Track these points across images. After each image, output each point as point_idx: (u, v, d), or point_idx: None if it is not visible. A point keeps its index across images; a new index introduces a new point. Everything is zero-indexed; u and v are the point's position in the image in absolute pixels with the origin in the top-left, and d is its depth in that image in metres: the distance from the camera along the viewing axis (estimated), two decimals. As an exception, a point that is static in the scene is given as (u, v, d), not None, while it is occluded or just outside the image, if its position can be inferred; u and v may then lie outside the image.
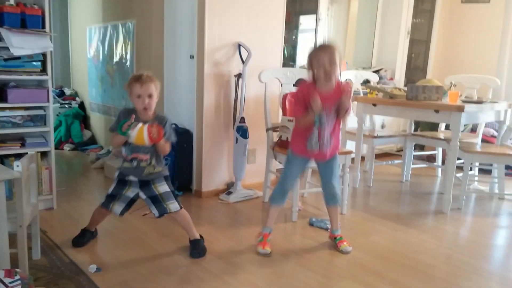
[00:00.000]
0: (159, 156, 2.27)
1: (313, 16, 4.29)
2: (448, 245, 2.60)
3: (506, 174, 3.70)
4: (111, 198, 2.31)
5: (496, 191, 3.67)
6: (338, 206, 2.57)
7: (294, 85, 3.22)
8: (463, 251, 2.51)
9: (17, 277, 1.54)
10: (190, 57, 3.22)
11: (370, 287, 2.03)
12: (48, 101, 2.74)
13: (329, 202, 2.51)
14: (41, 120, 2.80)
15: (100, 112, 4.76)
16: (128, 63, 4.07)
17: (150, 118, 2.20)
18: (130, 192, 2.29)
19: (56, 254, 2.25)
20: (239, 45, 3.25)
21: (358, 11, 5.24)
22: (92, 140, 4.95)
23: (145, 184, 2.28)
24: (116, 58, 4.27)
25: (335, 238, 2.52)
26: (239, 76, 3.26)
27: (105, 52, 4.46)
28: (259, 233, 2.46)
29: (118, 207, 2.30)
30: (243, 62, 3.24)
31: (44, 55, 2.69)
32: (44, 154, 2.87)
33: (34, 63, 2.66)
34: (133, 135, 2.04)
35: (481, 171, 4.18)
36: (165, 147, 2.22)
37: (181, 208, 2.32)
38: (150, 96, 2.16)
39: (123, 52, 4.13)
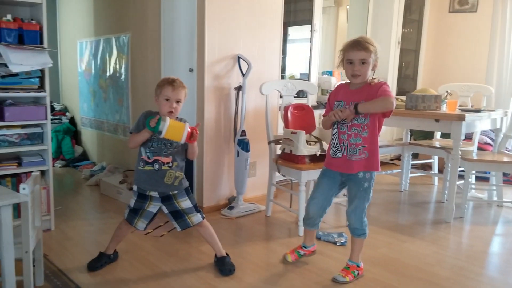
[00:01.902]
0: (181, 160, 2.22)
1: (304, 27, 4.30)
2: (459, 256, 2.59)
3: (503, 181, 3.74)
4: (134, 213, 2.25)
5: (495, 198, 3.70)
6: (360, 239, 2.24)
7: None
8: (474, 262, 2.50)
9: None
10: (190, 70, 3.17)
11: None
12: (46, 118, 2.65)
13: (350, 231, 2.27)
14: (39, 138, 2.71)
15: (92, 127, 4.65)
16: (122, 77, 3.99)
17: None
18: (152, 207, 2.24)
19: (60, 279, 2.15)
20: (239, 58, 3.22)
21: (348, 21, 5.28)
22: (84, 156, 4.83)
23: (167, 199, 2.22)
24: (109, 72, 4.19)
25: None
26: (239, 88, 3.23)
27: (98, 66, 4.36)
28: (298, 248, 2.45)
29: (141, 224, 2.26)
30: (243, 74, 3.21)
31: (42, 71, 2.61)
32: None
33: (32, 79, 2.57)
34: (165, 128, 1.97)
35: (477, 178, 4.22)
36: (196, 149, 2.19)
37: (203, 218, 2.28)
38: (178, 101, 2.14)
39: (117, 66, 4.05)
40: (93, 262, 2.28)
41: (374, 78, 2.09)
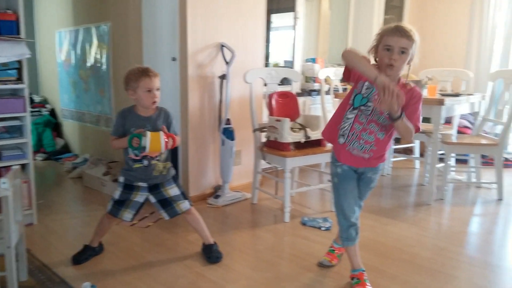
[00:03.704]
0: (168, 150, 2.21)
1: (287, 14, 4.29)
2: (439, 236, 2.67)
3: (482, 163, 3.83)
4: (119, 204, 2.22)
5: (474, 180, 3.80)
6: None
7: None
8: (454, 242, 2.58)
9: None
10: (172, 60, 3.14)
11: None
12: (25, 111, 2.60)
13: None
14: (18, 131, 2.66)
15: (74, 119, 4.58)
16: (103, 67, 3.93)
17: (153, 113, 2.17)
18: (139, 197, 2.23)
19: (45, 274, 2.13)
20: (222, 46, 3.20)
21: (330, 9, 5.28)
22: (66, 149, 4.76)
23: (154, 188, 2.22)
24: (90, 63, 4.12)
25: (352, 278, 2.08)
26: (223, 77, 3.21)
27: (77, 57, 4.28)
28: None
29: (128, 214, 2.23)
30: (226, 63, 3.19)
31: (19, 62, 2.55)
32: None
33: (10, 71, 2.51)
34: (147, 145, 2.01)
35: (457, 161, 4.31)
36: (177, 140, 2.18)
37: (191, 205, 2.30)
38: (158, 89, 2.13)
39: (98, 56, 3.98)
40: (77, 255, 2.26)
41: (408, 82, 1.86)
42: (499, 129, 4.49)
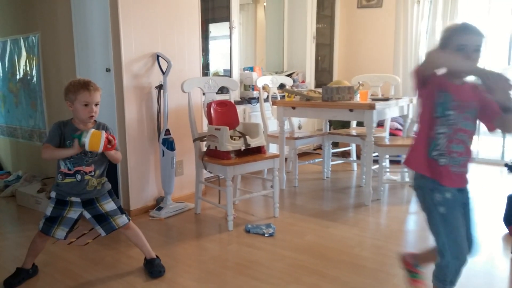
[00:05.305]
0: (103, 165, 2.15)
1: (224, 24, 4.34)
2: (377, 236, 2.79)
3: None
4: (51, 221, 2.12)
5: (407, 179, 4.02)
6: None
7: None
8: (391, 240, 2.71)
9: None
10: (106, 70, 3.06)
11: None
12: None
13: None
14: None
15: (4, 134, 4.30)
16: (34, 79, 3.73)
17: (91, 127, 2.09)
18: (73, 213, 2.14)
19: (-26, 301, 2.00)
20: (158, 56, 3.17)
21: (265, 18, 5.40)
22: (-5, 166, 4.47)
23: (89, 203, 2.14)
24: (19, 75, 3.90)
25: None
26: (160, 87, 3.18)
27: (6, 69, 4.04)
28: (409, 264, 1.94)
29: (61, 232, 2.13)
30: (163, 73, 3.16)
31: None
32: None
33: None
34: (87, 141, 1.94)
35: (391, 161, 4.54)
36: (117, 154, 2.13)
37: (129, 220, 2.23)
38: (96, 104, 2.06)
39: (28, 68, 3.78)
40: (9, 279, 2.13)
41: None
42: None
